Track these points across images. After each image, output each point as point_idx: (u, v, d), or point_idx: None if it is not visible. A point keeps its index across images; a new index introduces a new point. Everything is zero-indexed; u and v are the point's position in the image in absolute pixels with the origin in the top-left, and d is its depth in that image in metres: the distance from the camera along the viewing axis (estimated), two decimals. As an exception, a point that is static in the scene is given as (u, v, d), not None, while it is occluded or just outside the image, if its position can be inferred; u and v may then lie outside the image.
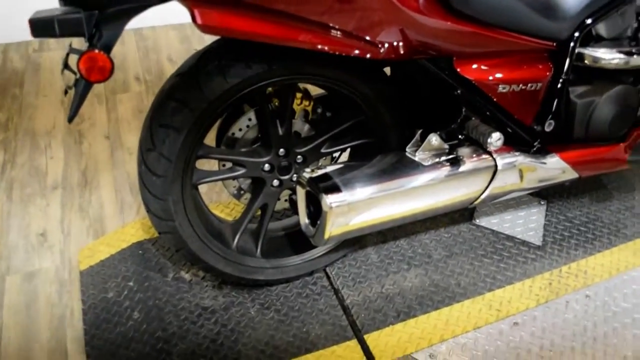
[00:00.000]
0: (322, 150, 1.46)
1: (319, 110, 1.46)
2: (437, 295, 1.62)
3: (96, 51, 1.03)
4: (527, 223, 1.89)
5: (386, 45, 1.19)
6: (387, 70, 1.46)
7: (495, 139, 1.31)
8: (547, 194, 2.03)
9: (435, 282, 1.65)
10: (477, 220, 1.87)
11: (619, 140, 1.62)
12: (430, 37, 1.22)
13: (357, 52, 1.18)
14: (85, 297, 1.57)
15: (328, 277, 1.65)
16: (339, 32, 1.15)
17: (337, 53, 1.17)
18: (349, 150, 1.56)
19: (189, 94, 1.22)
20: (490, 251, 1.77)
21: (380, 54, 1.20)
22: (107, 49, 1.05)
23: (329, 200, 1.19)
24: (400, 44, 1.20)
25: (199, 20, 1.05)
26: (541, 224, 1.90)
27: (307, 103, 1.44)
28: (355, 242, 1.63)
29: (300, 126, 1.46)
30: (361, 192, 1.23)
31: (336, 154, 1.57)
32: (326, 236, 1.25)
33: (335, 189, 1.21)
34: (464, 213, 1.89)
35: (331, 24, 1.13)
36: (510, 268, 1.73)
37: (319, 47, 1.14)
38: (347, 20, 1.13)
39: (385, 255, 1.73)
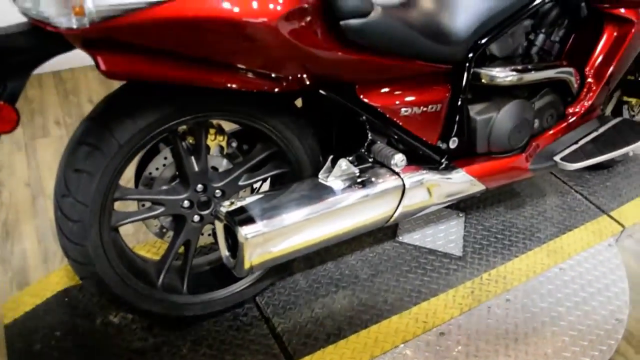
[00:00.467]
0: (240, 183, 1.49)
1: (234, 144, 1.50)
2: (366, 314, 1.67)
3: (0, 102, 1.03)
4: (448, 236, 1.97)
5: (289, 79, 1.25)
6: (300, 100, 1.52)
7: (399, 160, 1.38)
8: (465, 206, 2.13)
9: (363, 302, 1.70)
10: (400, 238, 1.94)
11: (519, 151, 1.73)
12: (329, 69, 1.28)
13: (261, 87, 1.22)
14: (11, 352, 1.53)
15: (258, 307, 1.67)
16: (242, 70, 1.20)
17: (242, 90, 1.21)
18: (269, 180, 1.59)
19: (100, 138, 1.23)
20: (414, 266, 1.84)
21: (284, 88, 1.25)
22: (12, 99, 1.05)
23: (244, 232, 1.22)
24: (302, 77, 1.26)
25: (102, 67, 1.07)
26: (461, 235, 1.98)
27: (221, 138, 1.47)
28: (282, 269, 1.66)
29: (217, 161, 1.49)
30: (276, 221, 1.27)
31: (257, 184, 1.60)
32: (246, 267, 1.27)
33: (250, 220, 1.25)
34: (387, 232, 1.96)
35: (234, 63, 1.17)
36: (434, 280, 1.80)
37: (224, 85, 1.19)
38: (249, 59, 1.18)
39: (313, 279, 1.76)
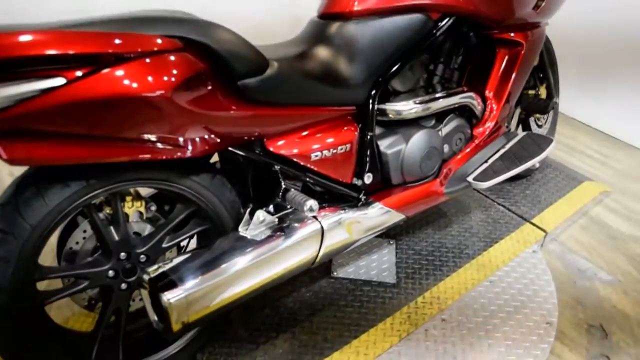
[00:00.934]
0: (164, 245, 1.50)
1: (153, 208, 1.51)
2: (307, 355, 1.69)
3: None
4: (381, 265, 2.03)
5: (196, 143, 1.28)
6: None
7: (311, 205, 1.43)
8: (395, 233, 2.20)
9: (304, 343, 1.73)
10: (335, 273, 1.98)
11: (433, 177, 1.81)
12: (233, 128, 1.33)
13: (169, 155, 1.25)
14: None
15: (200, 364, 1.67)
16: (148, 141, 1.22)
17: (148, 160, 1.24)
18: (196, 237, 1.61)
19: (11, 222, 1.23)
20: (351, 300, 1.89)
21: (193, 152, 1.29)
22: None
23: (167, 297, 1.24)
24: (209, 138, 1.30)
25: (4, 156, 1.08)
26: (393, 262, 2.05)
27: (139, 204, 1.48)
28: (220, 322, 1.67)
29: (138, 226, 1.50)
30: (199, 280, 1.29)
31: (184, 243, 1.61)
32: (175, 330, 1.28)
33: (172, 284, 1.26)
34: (321, 269, 1.99)
35: (137, 137, 1.20)
36: (371, 311, 1.85)
37: (131, 158, 1.21)
38: (151, 130, 1.21)
39: (253, 328, 1.78)
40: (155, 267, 1.35)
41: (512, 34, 1.92)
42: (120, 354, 1.51)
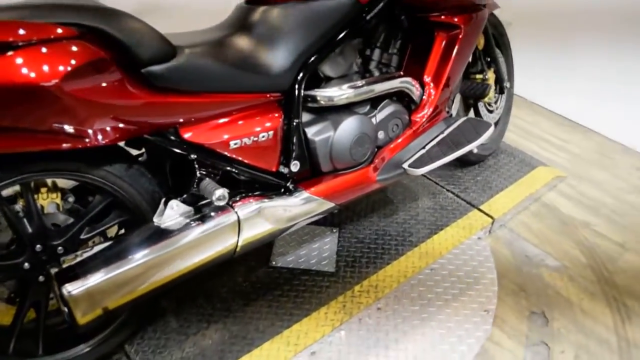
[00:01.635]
0: (83, 237, 1.47)
1: (71, 200, 1.48)
2: (237, 346, 1.67)
3: None
4: (321, 253, 2.01)
5: (106, 131, 1.25)
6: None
7: (218, 195, 1.39)
8: (339, 221, 2.17)
9: (235, 333, 1.71)
10: (274, 262, 1.96)
11: (366, 163, 1.79)
12: (142, 116, 1.29)
13: (76, 145, 1.22)
14: None
15: (127, 356, 1.64)
16: (48, 130, 1.19)
17: (54, 150, 1.20)
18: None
19: None
20: (287, 289, 1.86)
21: (103, 140, 1.25)
22: None
23: (67, 289, 1.21)
24: (115, 126, 1.26)
25: None
26: (334, 251, 2.02)
27: (54, 195, 1.45)
28: (150, 312, 1.65)
29: (57, 218, 1.47)
30: (103, 273, 1.26)
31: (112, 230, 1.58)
32: (80, 322, 1.26)
33: (74, 276, 1.23)
34: (260, 258, 1.97)
35: (38, 125, 1.16)
36: (307, 300, 1.83)
37: (35, 148, 1.18)
38: (52, 119, 1.17)
39: (184, 319, 1.75)
40: (70, 258, 1.32)
41: (449, 17, 1.88)
42: (40, 348, 1.48)
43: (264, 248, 1.97)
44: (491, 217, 2.26)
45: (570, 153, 3.00)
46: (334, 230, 2.11)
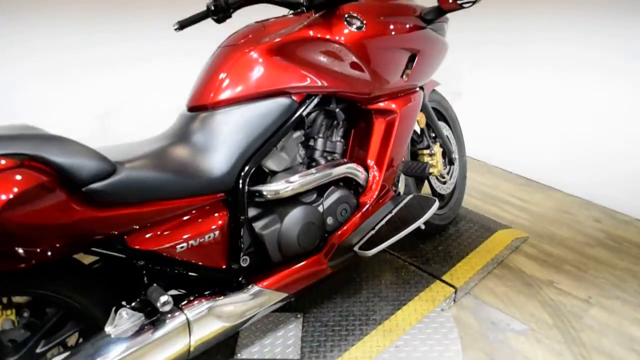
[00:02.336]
0: (38, 350, 1.49)
1: (26, 315, 1.51)
2: None
3: None
4: (286, 341, 2.02)
5: (55, 248, 1.30)
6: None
7: (162, 302, 1.44)
8: (303, 305, 2.20)
9: None
10: (239, 355, 1.97)
11: (316, 251, 1.84)
12: (89, 231, 1.35)
13: (21, 264, 1.27)
14: None
15: None
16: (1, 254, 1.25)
17: (12, 269, 1.26)
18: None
19: None
20: (252, 382, 1.87)
21: (52, 257, 1.30)
22: None
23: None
24: (64, 243, 1.32)
25: None
26: (299, 337, 2.04)
27: (9, 312, 1.48)
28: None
29: (13, 334, 1.49)
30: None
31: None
32: None
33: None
34: (225, 352, 1.98)
35: None
36: (272, 391, 1.83)
37: None
38: (6, 243, 1.23)
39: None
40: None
41: (384, 103, 2.00)
42: None
43: (229, 340, 1.98)
44: (453, 286, 2.30)
45: (530, 213, 3.08)
46: (298, 316, 2.13)
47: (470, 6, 1.93)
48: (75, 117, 2.96)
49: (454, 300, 2.30)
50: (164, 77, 3.04)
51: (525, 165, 3.56)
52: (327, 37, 1.75)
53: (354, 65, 1.79)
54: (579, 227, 2.96)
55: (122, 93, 3.13)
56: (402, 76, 1.99)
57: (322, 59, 1.73)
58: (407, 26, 1.97)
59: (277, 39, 1.68)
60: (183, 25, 2.01)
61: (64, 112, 2.96)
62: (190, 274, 1.58)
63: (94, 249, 1.42)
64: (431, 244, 2.60)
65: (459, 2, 1.95)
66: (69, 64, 2.96)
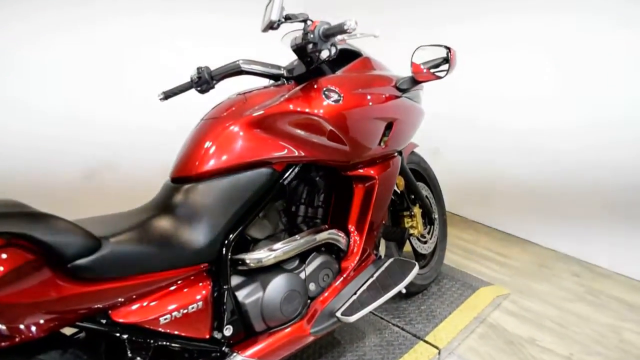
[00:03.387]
0: None
1: None
2: None
3: None
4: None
5: (39, 324, 1.31)
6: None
7: None
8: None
9: None
10: None
11: (299, 318, 1.86)
12: (73, 306, 1.37)
13: (6, 342, 1.27)
14: None
15: None
16: None
17: None
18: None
19: None
20: None
21: (35, 334, 1.31)
22: None
23: None
24: (48, 320, 1.33)
25: None
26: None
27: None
28: None
29: None
30: None
31: None
32: None
33: None
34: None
35: None
36: None
37: None
38: None
39: None
40: None
41: (363, 170, 2.06)
42: None
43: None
44: (437, 347, 2.32)
45: (510, 268, 3.13)
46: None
47: (445, 76, 2.02)
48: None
49: (436, 363, 2.31)
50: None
51: (502, 220, 3.63)
52: (307, 110, 1.82)
53: (332, 136, 1.86)
54: (558, 281, 3.01)
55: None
56: (379, 144, 2.06)
57: (302, 130, 1.80)
58: (383, 96, 2.06)
59: (259, 112, 1.75)
60: (168, 95, 2.08)
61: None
62: (173, 345, 1.59)
63: (78, 323, 1.43)
64: (414, 304, 2.62)
65: (432, 71, 2.05)
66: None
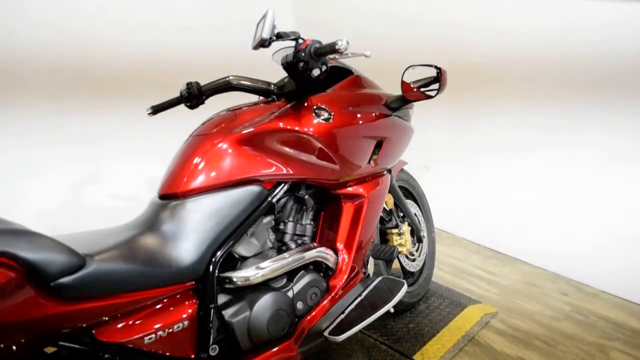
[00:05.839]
0: None
1: None
2: None
3: None
4: None
5: (20, 343, 1.29)
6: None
7: None
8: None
9: None
10: None
11: (286, 337, 1.84)
12: (56, 326, 1.34)
13: None
14: None
15: None
16: None
17: None
18: None
19: None
20: None
21: (15, 355, 1.29)
22: None
23: None
24: (29, 340, 1.30)
25: None
26: None
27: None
28: None
29: None
30: None
31: None
32: None
33: None
34: None
35: None
36: None
37: None
38: None
39: None
40: None
41: (352, 188, 2.06)
42: None
43: None
44: (424, 366, 2.30)
45: (499, 286, 3.13)
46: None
47: (435, 95, 2.03)
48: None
49: (425, 381, 2.29)
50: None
51: (492, 238, 3.64)
52: (296, 128, 1.82)
53: (322, 154, 1.86)
54: (547, 300, 3.01)
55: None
56: (369, 162, 2.06)
57: (291, 148, 1.79)
58: (373, 115, 2.06)
59: (248, 130, 1.74)
60: (156, 110, 2.07)
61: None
62: (154, 366, 1.57)
63: (61, 342, 1.41)
64: (402, 322, 2.61)
65: (422, 90, 2.05)
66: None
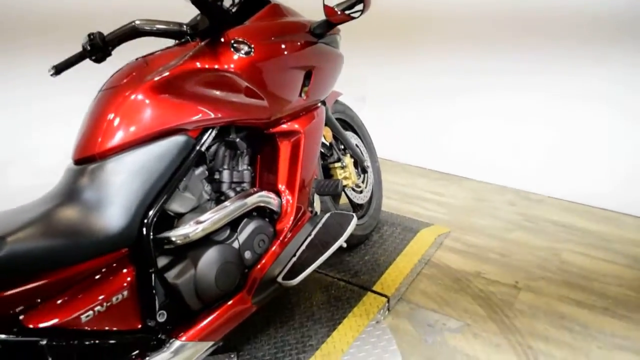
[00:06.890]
0: None
1: None
2: None
3: None
4: (219, 386, 1.91)
5: None
6: None
7: None
8: (235, 343, 2.09)
9: None
10: (173, 411, 1.84)
11: (238, 290, 1.75)
12: None
13: None
14: None
15: None
16: None
17: None
18: None
19: None
20: None
21: None
22: None
23: None
24: None
25: None
26: (233, 380, 1.94)
27: None
28: None
29: None
30: None
31: None
32: None
33: None
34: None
35: None
36: None
37: None
38: None
39: None
40: None
41: (286, 125, 1.93)
42: None
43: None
44: (385, 295, 2.27)
45: (448, 206, 3.12)
46: (232, 356, 2.03)
47: (360, 16, 1.90)
48: None
49: (388, 309, 2.27)
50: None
51: (437, 160, 3.62)
52: (216, 66, 1.67)
53: (248, 92, 1.72)
54: (496, 212, 3.03)
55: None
56: (300, 95, 1.93)
57: (213, 89, 1.65)
58: (298, 44, 1.92)
59: (163, 75, 1.58)
60: (59, 69, 1.86)
61: None
62: (102, 342, 1.45)
63: None
64: (357, 255, 2.57)
65: (347, 12, 1.92)
66: None
